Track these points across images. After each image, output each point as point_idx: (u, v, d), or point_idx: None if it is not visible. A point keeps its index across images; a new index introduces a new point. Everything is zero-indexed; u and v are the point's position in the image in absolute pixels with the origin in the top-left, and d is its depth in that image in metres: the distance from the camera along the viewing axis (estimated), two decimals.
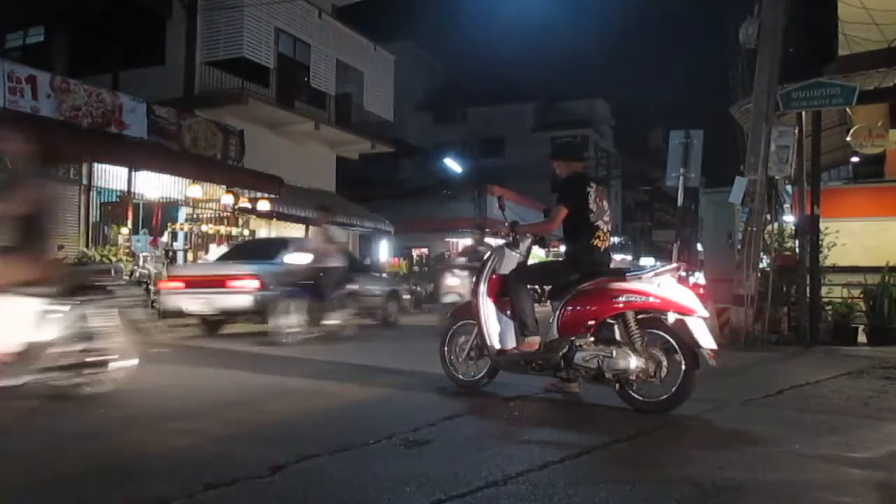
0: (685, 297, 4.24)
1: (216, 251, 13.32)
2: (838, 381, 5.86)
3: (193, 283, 9.56)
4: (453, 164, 27.30)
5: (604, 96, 43.95)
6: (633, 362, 4.18)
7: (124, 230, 12.34)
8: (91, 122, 12.33)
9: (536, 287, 4.97)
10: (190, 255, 14.36)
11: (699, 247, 24.49)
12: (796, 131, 9.32)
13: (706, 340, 4.11)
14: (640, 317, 4.31)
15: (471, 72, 38.61)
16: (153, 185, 13.43)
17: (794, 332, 9.37)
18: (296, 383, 5.36)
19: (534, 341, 4.55)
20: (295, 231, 17.94)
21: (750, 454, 3.37)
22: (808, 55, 12.89)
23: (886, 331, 8.91)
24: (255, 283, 9.19)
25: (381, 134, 21.32)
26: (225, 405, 4.46)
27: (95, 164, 12.60)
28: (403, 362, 6.50)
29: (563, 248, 4.88)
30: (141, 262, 11.87)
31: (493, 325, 4.74)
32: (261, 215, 16.07)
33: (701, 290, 10.12)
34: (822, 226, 9.78)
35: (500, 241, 5.03)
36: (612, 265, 4.94)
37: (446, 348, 5.13)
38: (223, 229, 14.94)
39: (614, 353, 4.24)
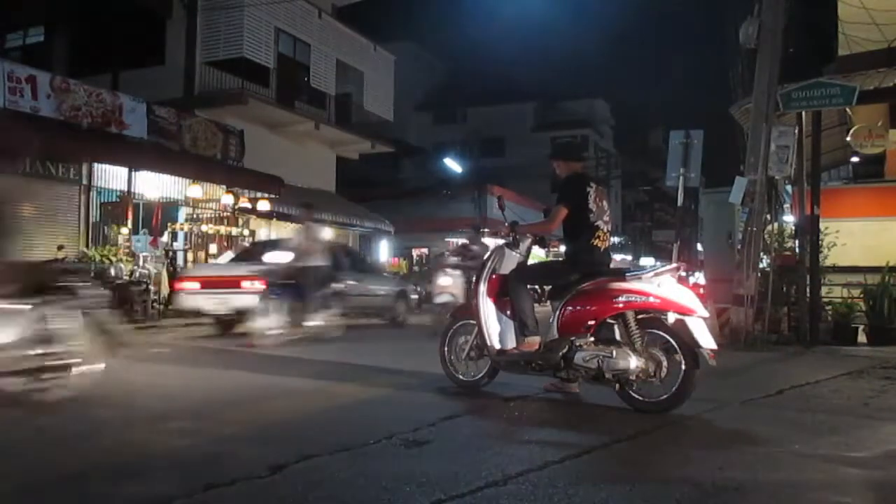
0: (685, 297, 4.24)
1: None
2: (838, 381, 5.86)
3: (209, 284, 9.89)
4: (453, 164, 27.31)
5: (604, 96, 43.97)
6: (633, 362, 4.18)
7: (124, 230, 12.35)
8: (91, 122, 12.34)
9: (536, 287, 4.97)
10: (190, 255, 14.37)
11: (699, 247, 24.48)
12: (796, 131, 9.32)
13: (706, 340, 4.11)
14: (640, 317, 4.31)
15: (471, 72, 38.59)
16: (153, 185, 13.44)
17: (794, 332, 9.37)
18: (296, 383, 5.36)
19: (534, 341, 4.54)
20: (294, 232, 17.96)
21: (750, 454, 3.36)
22: (808, 55, 12.89)
23: (886, 331, 8.91)
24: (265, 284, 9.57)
25: (381, 134, 21.33)
26: (225, 405, 4.46)
27: (95, 164, 12.61)
28: (403, 362, 6.50)
29: (563, 248, 4.87)
30: (141, 262, 11.87)
31: (493, 325, 4.74)
32: (261, 215, 16.08)
33: (701, 290, 10.12)
34: (822, 226, 9.78)
35: (500, 241, 5.03)
36: (612, 265, 4.94)
37: (446, 348, 5.12)
38: (223, 229, 14.94)
39: (614, 353, 4.24)
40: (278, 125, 17.39)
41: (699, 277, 16.61)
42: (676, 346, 4.17)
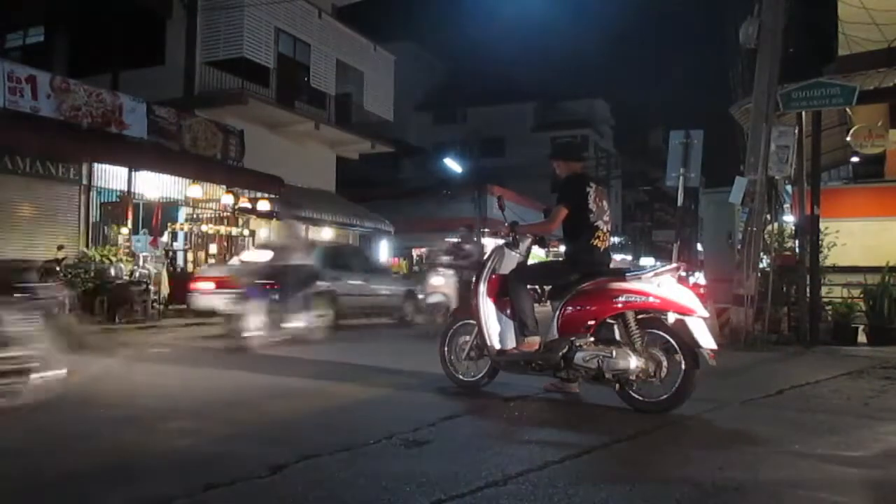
0: (685, 297, 4.24)
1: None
2: (838, 381, 5.86)
3: (224, 284, 10.05)
4: (453, 164, 27.29)
5: (604, 96, 43.98)
6: (633, 362, 4.18)
7: (124, 230, 12.35)
8: (91, 122, 12.34)
9: (536, 287, 4.97)
10: (190, 255, 14.38)
11: (699, 247, 24.49)
12: (796, 131, 9.33)
13: (706, 340, 4.11)
14: (640, 317, 4.31)
15: (471, 72, 38.61)
16: (153, 185, 13.43)
17: (794, 332, 9.37)
18: (296, 383, 5.36)
19: (534, 341, 4.54)
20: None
21: (750, 454, 3.36)
22: (808, 55, 12.89)
23: (886, 331, 8.91)
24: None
25: (381, 134, 21.33)
26: (225, 405, 4.47)
27: (95, 164, 12.61)
28: (403, 362, 6.49)
29: (563, 248, 4.87)
30: (141, 262, 11.87)
31: (493, 325, 4.74)
32: (261, 215, 16.07)
33: (701, 290, 10.12)
34: (822, 226, 9.78)
35: (499, 241, 5.03)
36: (612, 265, 4.94)
37: (446, 348, 5.12)
38: (223, 229, 14.94)
39: (614, 353, 4.24)
40: (278, 125, 17.39)
41: (699, 277, 16.62)
42: (676, 346, 4.17)
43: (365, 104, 20.60)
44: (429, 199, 26.23)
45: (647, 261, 36.52)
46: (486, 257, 5.11)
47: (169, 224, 13.90)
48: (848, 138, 11.97)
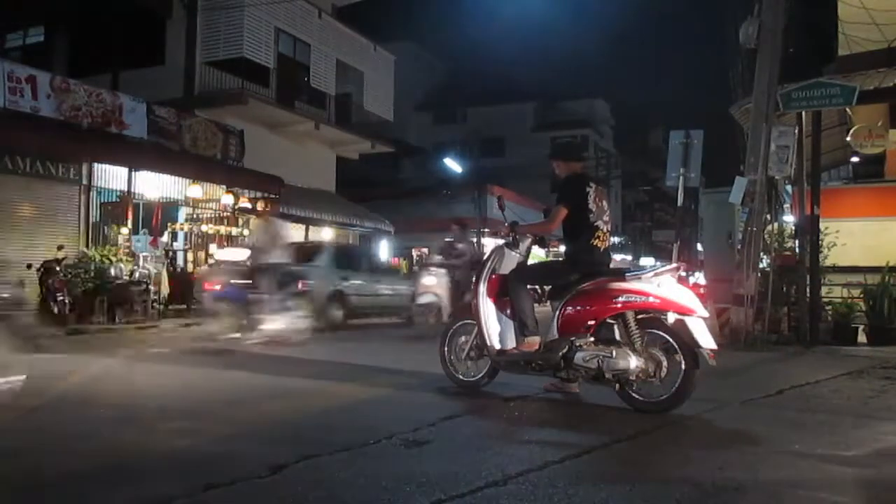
0: (685, 297, 4.24)
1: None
2: (838, 381, 5.86)
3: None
4: (453, 164, 27.29)
5: (604, 96, 44.00)
6: (633, 362, 4.18)
7: (124, 230, 12.34)
8: (91, 122, 12.33)
9: (536, 287, 4.97)
10: (190, 256, 14.38)
11: (699, 247, 24.49)
12: (796, 131, 9.33)
13: (706, 340, 4.11)
14: (639, 317, 4.31)
15: (471, 72, 38.62)
16: (153, 185, 13.43)
17: (794, 332, 9.37)
18: (296, 383, 5.36)
19: (534, 341, 4.54)
20: (295, 231, 17.96)
21: (750, 454, 3.36)
22: (808, 55, 12.89)
23: (886, 331, 8.91)
24: (297, 285, 9.82)
25: (381, 134, 21.33)
26: (225, 405, 4.47)
27: (95, 164, 12.60)
28: (403, 362, 6.50)
29: (562, 248, 4.87)
30: (141, 262, 11.88)
31: (493, 325, 4.74)
32: (260, 215, 16.05)
33: (701, 290, 10.12)
34: (822, 226, 9.78)
35: (499, 241, 5.03)
36: (612, 265, 4.94)
37: (446, 348, 5.12)
38: (223, 229, 14.94)
39: (614, 353, 4.24)
40: (278, 125, 17.39)
41: (699, 277, 16.62)
42: (676, 346, 4.17)
43: (365, 104, 20.60)
44: (429, 199, 26.23)
45: (647, 261, 36.52)
46: (486, 257, 5.11)
47: (169, 224, 13.90)
48: (848, 138, 11.97)
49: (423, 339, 8.70)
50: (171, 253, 13.80)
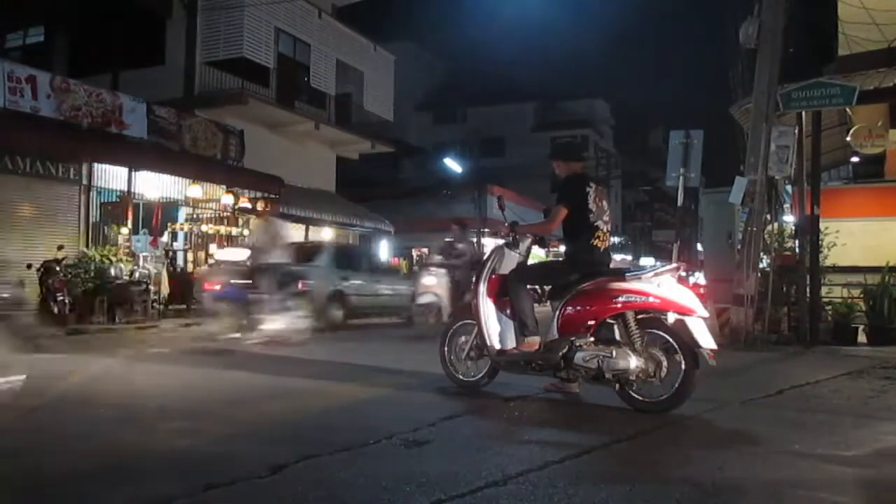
0: (685, 297, 4.24)
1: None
2: (838, 381, 5.86)
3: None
4: (453, 164, 27.29)
5: (604, 96, 44.00)
6: (633, 362, 4.18)
7: (124, 230, 12.34)
8: (91, 122, 12.33)
9: (536, 287, 4.97)
10: (190, 255, 14.37)
11: (699, 247, 24.49)
12: (796, 131, 9.33)
13: (706, 340, 4.11)
14: (639, 317, 4.31)
15: (471, 72, 38.62)
16: (153, 185, 13.43)
17: (794, 332, 9.37)
18: (296, 383, 5.36)
19: (534, 341, 4.54)
20: (295, 231, 17.96)
21: (750, 454, 3.37)
22: (808, 55, 12.89)
23: (886, 331, 8.91)
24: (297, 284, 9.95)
25: (381, 134, 21.33)
26: (225, 405, 4.47)
27: (95, 164, 12.60)
28: (403, 362, 6.50)
29: (562, 248, 4.87)
30: (141, 262, 11.88)
31: (493, 325, 4.74)
32: (260, 215, 16.05)
33: (701, 290, 10.12)
34: (822, 226, 9.78)
35: (499, 241, 5.03)
36: (612, 265, 4.94)
37: (446, 348, 5.12)
38: (223, 229, 14.94)
39: (614, 353, 4.24)
40: (278, 125, 17.39)
41: (699, 277, 16.62)
42: (676, 346, 4.17)
43: (365, 104, 20.60)
44: (429, 199, 26.24)
45: (647, 261, 36.53)
46: (486, 257, 5.11)
47: (169, 224, 13.90)
48: (848, 138, 11.97)
49: (423, 339, 8.70)
50: (171, 253, 13.80)
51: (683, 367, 4.13)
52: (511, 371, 4.79)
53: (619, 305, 4.31)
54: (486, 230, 23.54)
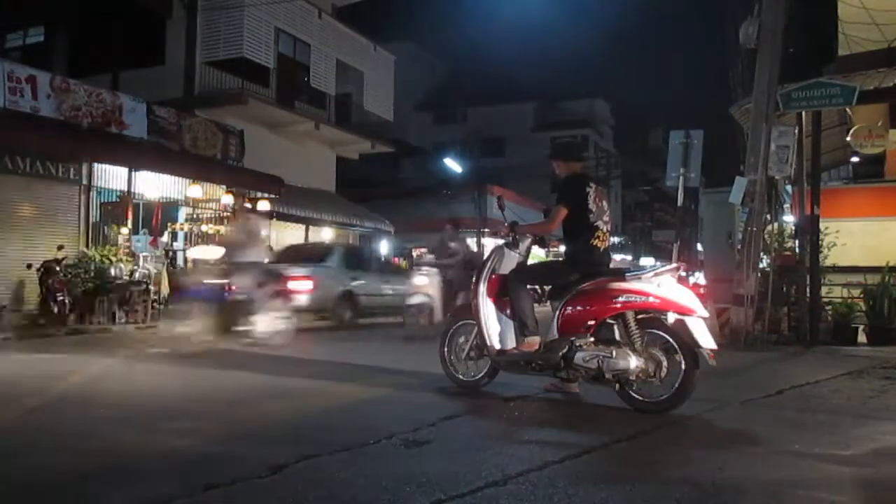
0: (685, 297, 4.24)
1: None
2: (838, 381, 5.86)
3: None
4: (453, 164, 27.29)
5: (604, 96, 43.98)
6: (633, 362, 4.18)
7: (124, 230, 12.34)
8: (91, 122, 12.33)
9: (536, 287, 4.97)
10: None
11: (699, 247, 24.49)
12: (796, 131, 9.33)
13: (706, 340, 4.11)
14: (639, 317, 4.31)
15: (471, 72, 38.61)
16: (153, 185, 13.43)
17: (794, 332, 9.37)
18: (296, 383, 5.36)
19: (534, 341, 4.54)
20: (295, 231, 17.97)
21: (750, 454, 3.37)
22: (808, 55, 12.89)
23: (886, 331, 8.91)
24: (309, 284, 10.42)
25: (381, 134, 21.32)
26: (225, 405, 4.47)
27: (95, 164, 12.59)
28: (403, 362, 6.50)
29: (562, 248, 4.87)
30: (141, 262, 11.87)
31: (493, 325, 4.74)
32: (260, 215, 16.04)
33: (701, 290, 10.12)
34: (822, 226, 9.78)
35: (499, 241, 5.03)
36: (612, 265, 4.94)
37: (446, 348, 5.12)
38: (223, 229, 14.93)
39: (614, 353, 4.24)
40: (278, 125, 17.39)
41: (699, 277, 16.62)
42: (676, 346, 4.17)
43: (365, 104, 20.59)
44: (429, 199, 26.23)
45: (647, 261, 36.53)
46: (486, 257, 5.11)
47: (169, 224, 13.89)
48: (848, 138, 11.97)
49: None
50: (171, 253, 13.79)
51: (683, 367, 4.13)
52: (511, 371, 4.79)
53: (619, 305, 4.31)
54: (486, 230, 23.54)
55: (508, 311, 4.73)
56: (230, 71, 16.11)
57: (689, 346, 4.13)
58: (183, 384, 5.34)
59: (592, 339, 4.38)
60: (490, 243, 19.70)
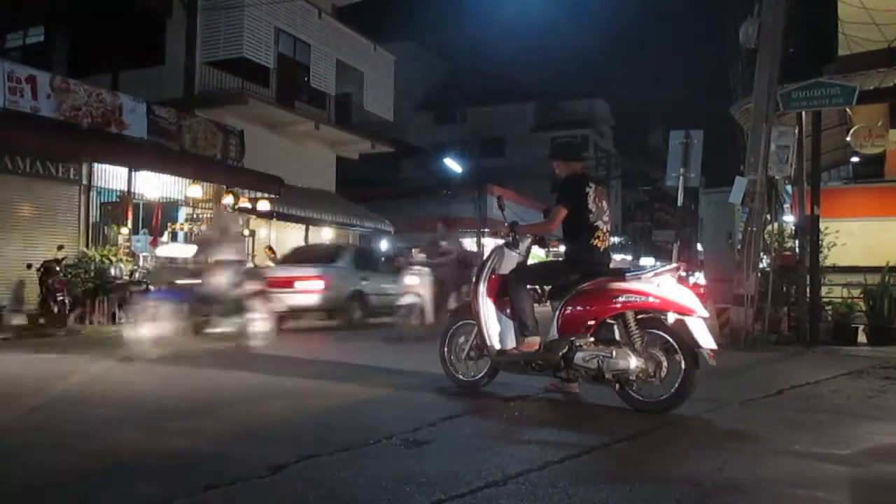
0: (685, 297, 4.24)
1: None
2: (838, 381, 5.86)
3: (272, 283, 10.53)
4: (453, 164, 27.29)
5: (604, 96, 43.99)
6: (633, 362, 4.18)
7: (124, 230, 12.34)
8: (91, 122, 12.33)
9: (536, 287, 4.97)
10: None
11: (699, 247, 24.49)
12: (796, 131, 9.33)
13: (706, 340, 4.11)
14: (639, 317, 4.31)
15: (471, 72, 38.62)
16: (153, 185, 13.43)
17: (794, 332, 9.37)
18: (296, 383, 5.36)
19: (534, 341, 4.54)
20: (295, 231, 17.97)
21: (750, 454, 3.36)
22: (808, 55, 12.89)
23: (886, 331, 8.91)
24: (321, 284, 10.69)
25: (381, 134, 21.32)
26: (225, 405, 4.47)
27: (95, 164, 12.60)
28: (403, 362, 6.50)
29: (562, 248, 4.87)
30: (141, 262, 11.87)
31: (493, 325, 4.74)
32: (261, 215, 16.07)
33: (701, 290, 10.12)
34: (822, 226, 9.78)
35: (499, 241, 5.03)
36: (612, 265, 4.94)
37: (446, 348, 5.12)
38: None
39: (614, 353, 4.24)
40: (278, 125, 17.39)
41: (699, 277, 16.62)
42: (676, 346, 4.17)
43: (365, 104, 20.60)
44: (429, 199, 26.19)
45: (647, 261, 36.54)
46: (486, 257, 5.11)
47: (169, 224, 13.90)
48: (848, 138, 11.97)
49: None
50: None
51: (683, 367, 4.13)
52: (511, 371, 4.79)
53: (618, 305, 4.31)
54: (486, 230, 23.53)
55: (508, 311, 4.73)
56: (230, 71, 16.11)
57: (689, 346, 4.13)
58: (183, 384, 5.34)
59: (592, 339, 4.38)
60: (490, 243, 19.69)
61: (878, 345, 8.73)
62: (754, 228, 9.04)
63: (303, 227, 17.94)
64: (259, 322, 7.47)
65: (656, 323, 4.31)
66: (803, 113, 9.60)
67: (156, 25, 16.31)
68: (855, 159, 14.06)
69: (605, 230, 4.71)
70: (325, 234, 18.63)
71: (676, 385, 4.15)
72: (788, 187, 11.52)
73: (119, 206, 12.71)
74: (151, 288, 7.68)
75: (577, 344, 4.37)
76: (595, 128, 40.95)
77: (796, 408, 4.64)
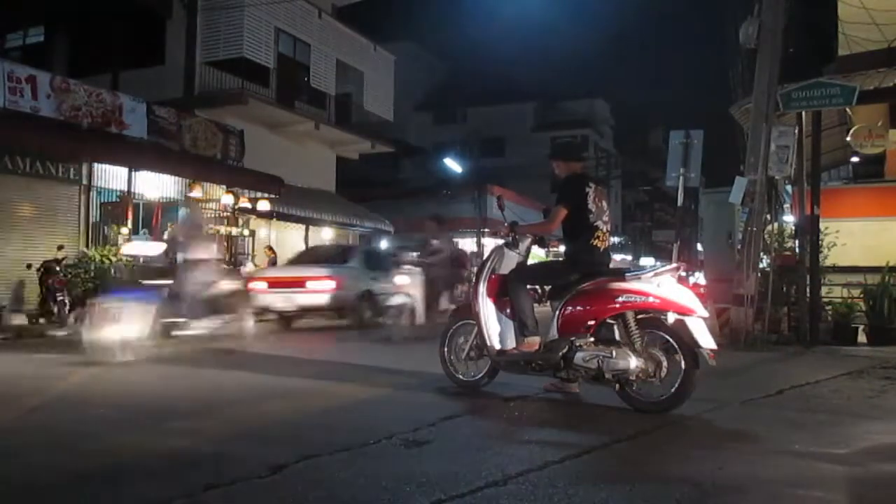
0: (685, 297, 4.24)
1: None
2: (838, 381, 5.86)
3: (276, 284, 10.91)
4: (453, 164, 27.29)
5: (604, 96, 43.96)
6: (633, 362, 4.18)
7: (124, 230, 12.34)
8: (91, 122, 12.33)
9: (536, 287, 4.97)
10: None
11: (699, 247, 24.49)
12: (796, 131, 9.32)
13: (706, 340, 4.11)
14: (639, 317, 4.31)
15: (471, 72, 38.61)
16: (153, 185, 13.43)
17: (794, 332, 9.37)
18: (296, 383, 5.36)
19: (534, 341, 4.54)
20: (295, 231, 17.97)
21: (750, 454, 3.36)
22: (808, 55, 12.88)
23: (886, 331, 8.91)
24: (332, 284, 10.78)
25: (381, 134, 21.33)
26: (225, 405, 4.47)
27: (95, 164, 12.61)
28: (403, 362, 6.50)
29: (562, 248, 4.87)
30: (141, 263, 11.86)
31: (493, 325, 4.74)
32: (261, 215, 16.07)
33: (701, 290, 10.12)
34: (822, 226, 9.78)
35: (499, 241, 5.03)
36: (611, 265, 4.94)
37: (446, 348, 5.12)
38: (223, 229, 14.93)
39: (614, 353, 4.24)
40: (278, 125, 17.39)
41: (699, 277, 16.62)
42: (676, 346, 4.17)
43: (365, 104, 20.60)
44: (429, 199, 26.17)
45: (647, 261, 36.52)
46: (486, 257, 5.11)
47: (169, 224, 13.89)
48: (848, 138, 11.97)
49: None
50: (171, 253, 13.78)
51: (683, 367, 4.13)
52: (511, 371, 4.79)
53: (618, 305, 4.31)
54: (486, 230, 23.53)
55: (508, 311, 4.73)
56: (230, 71, 16.12)
57: (689, 346, 4.13)
58: (183, 384, 5.34)
59: (592, 339, 4.38)
60: (490, 243, 19.68)
61: (878, 345, 8.73)
62: (754, 228, 9.04)
63: (303, 227, 17.94)
64: (234, 323, 7.19)
65: (656, 323, 4.31)
66: (803, 113, 9.60)
67: (156, 25, 16.31)
68: (855, 159, 14.06)
69: (605, 230, 4.71)
70: (325, 235, 18.63)
71: (676, 385, 4.14)
72: (788, 187, 11.52)
73: (119, 206, 12.71)
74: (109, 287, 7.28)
75: (577, 344, 4.37)
76: (595, 128, 40.95)
77: (796, 408, 4.64)
